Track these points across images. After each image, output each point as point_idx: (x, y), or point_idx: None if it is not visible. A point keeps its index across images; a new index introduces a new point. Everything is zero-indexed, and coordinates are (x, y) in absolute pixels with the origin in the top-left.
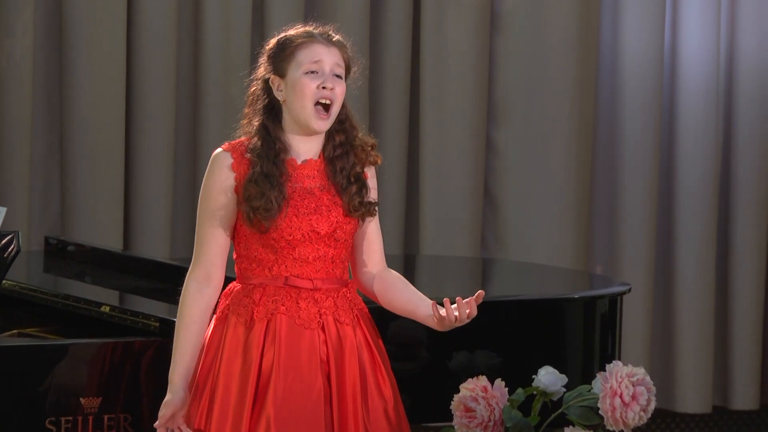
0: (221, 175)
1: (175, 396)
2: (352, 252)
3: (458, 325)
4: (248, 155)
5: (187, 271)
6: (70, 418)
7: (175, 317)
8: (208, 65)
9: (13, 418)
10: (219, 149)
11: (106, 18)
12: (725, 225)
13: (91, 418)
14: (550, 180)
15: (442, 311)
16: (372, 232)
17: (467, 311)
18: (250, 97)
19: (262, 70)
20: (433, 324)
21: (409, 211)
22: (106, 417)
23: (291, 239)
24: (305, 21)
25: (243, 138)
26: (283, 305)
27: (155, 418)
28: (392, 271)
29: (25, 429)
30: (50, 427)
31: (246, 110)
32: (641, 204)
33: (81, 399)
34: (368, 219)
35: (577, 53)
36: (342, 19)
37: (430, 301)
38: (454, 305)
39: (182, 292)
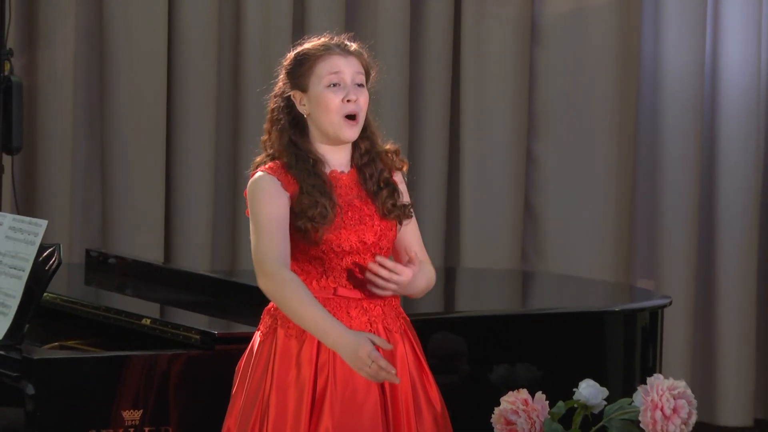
0: (276, 192)
1: (357, 336)
2: (393, 257)
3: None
4: (291, 172)
5: (227, 284)
6: (111, 430)
7: (215, 330)
8: (249, 74)
9: (54, 430)
10: (260, 173)
11: (146, 29)
12: (767, 236)
13: (132, 430)
14: (590, 192)
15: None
16: (409, 235)
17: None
18: (271, 114)
19: (282, 85)
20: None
21: (450, 224)
22: (146, 429)
23: (339, 251)
24: (345, 29)
25: (270, 163)
26: (335, 316)
27: (195, 431)
28: (426, 265)
29: None
30: None
31: (266, 126)
32: (682, 216)
33: (122, 411)
34: (405, 222)
35: (618, 65)
36: (382, 31)
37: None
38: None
39: (274, 286)
